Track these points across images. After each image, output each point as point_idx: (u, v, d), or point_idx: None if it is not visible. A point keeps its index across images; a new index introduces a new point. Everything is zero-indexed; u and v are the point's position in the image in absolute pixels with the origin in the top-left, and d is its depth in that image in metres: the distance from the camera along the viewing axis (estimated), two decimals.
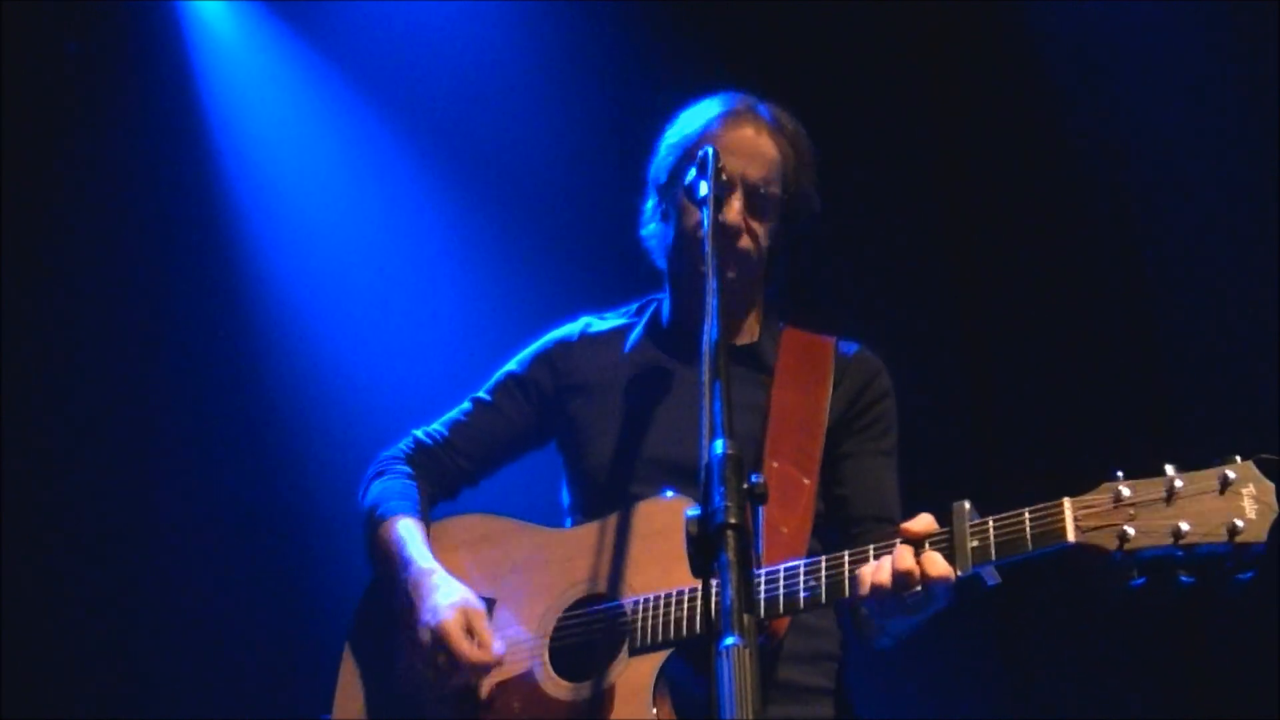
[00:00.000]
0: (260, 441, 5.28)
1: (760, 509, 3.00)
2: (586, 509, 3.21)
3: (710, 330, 2.47)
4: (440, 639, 2.95)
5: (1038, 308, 4.95)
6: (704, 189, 2.90)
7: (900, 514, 3.08)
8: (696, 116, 3.31)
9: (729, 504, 2.15)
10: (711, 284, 2.61)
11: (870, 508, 3.16)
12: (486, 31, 5.39)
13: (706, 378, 2.38)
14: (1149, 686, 4.63)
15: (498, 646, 2.98)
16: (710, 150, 3.01)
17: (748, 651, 2.02)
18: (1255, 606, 4.26)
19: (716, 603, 2.08)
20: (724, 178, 3.07)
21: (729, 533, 2.13)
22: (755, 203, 3.20)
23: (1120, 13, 4.79)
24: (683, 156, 3.26)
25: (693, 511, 2.19)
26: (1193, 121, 4.72)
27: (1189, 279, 4.75)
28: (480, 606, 3.01)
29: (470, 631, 2.97)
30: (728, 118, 3.25)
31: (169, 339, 5.37)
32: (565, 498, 3.36)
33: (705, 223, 2.81)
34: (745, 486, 2.19)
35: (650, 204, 3.41)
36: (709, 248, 2.72)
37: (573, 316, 3.49)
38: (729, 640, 2.04)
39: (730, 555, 2.11)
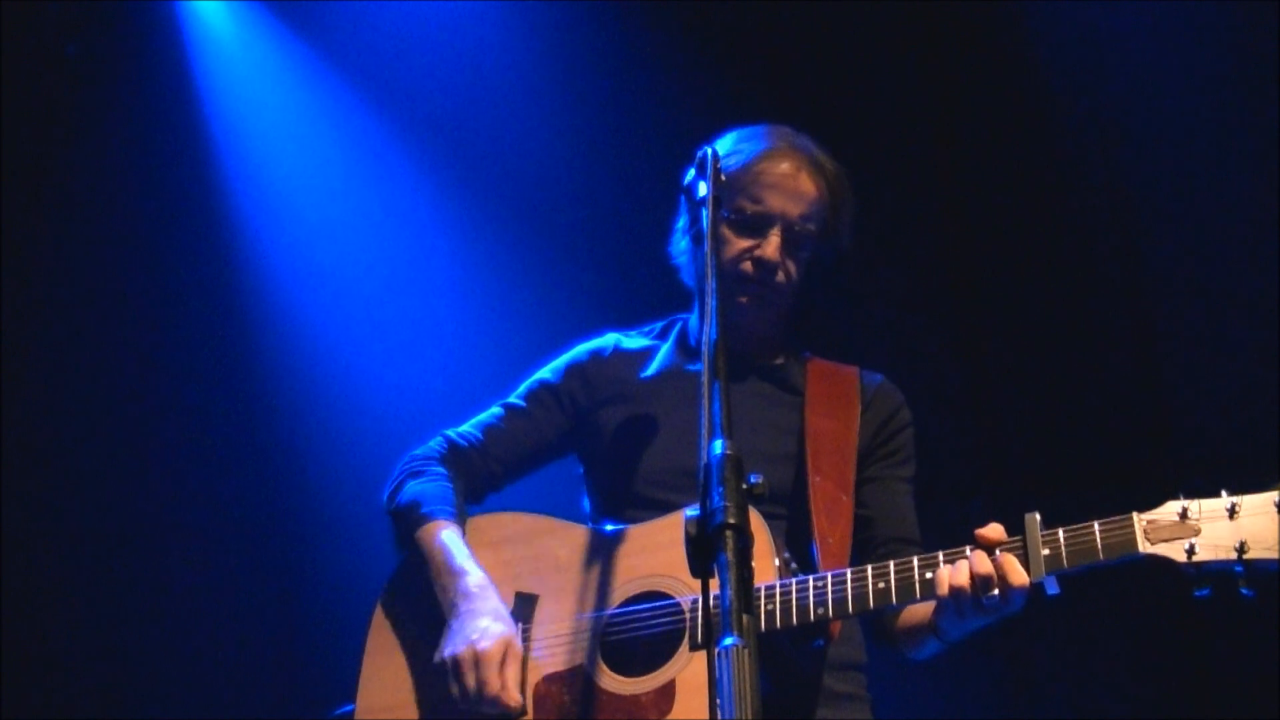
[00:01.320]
0: (260, 441, 5.28)
1: (813, 517, 3.11)
2: (617, 516, 3.24)
3: (710, 330, 2.50)
4: (478, 663, 2.97)
5: (1039, 321, 4.94)
6: (703, 189, 2.91)
7: (920, 539, 3.22)
8: (737, 150, 3.34)
9: (728, 504, 2.16)
10: (711, 284, 2.63)
11: (895, 529, 3.24)
12: (486, 32, 5.39)
13: (706, 378, 2.41)
14: (1149, 687, 4.63)
15: (518, 698, 2.99)
16: (710, 150, 3.02)
17: (747, 651, 2.03)
18: (1255, 607, 4.26)
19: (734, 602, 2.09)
20: (758, 210, 3.23)
21: (728, 533, 2.13)
22: (792, 239, 3.28)
23: (1120, 14, 4.78)
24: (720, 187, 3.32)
25: (692, 512, 2.20)
26: (1193, 123, 4.72)
27: (1192, 287, 4.75)
28: (519, 647, 3.04)
29: (503, 667, 2.98)
30: (769, 154, 3.31)
31: (169, 339, 5.36)
32: (588, 505, 3.39)
33: (705, 223, 2.83)
34: (745, 486, 2.20)
35: (682, 222, 3.46)
36: (708, 247, 2.74)
37: (600, 331, 3.53)
38: (728, 640, 2.04)
39: (729, 555, 2.12)
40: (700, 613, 2.34)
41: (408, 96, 5.44)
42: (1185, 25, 4.68)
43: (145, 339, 5.36)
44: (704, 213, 2.85)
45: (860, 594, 2.86)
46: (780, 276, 3.28)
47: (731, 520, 2.14)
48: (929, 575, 2.84)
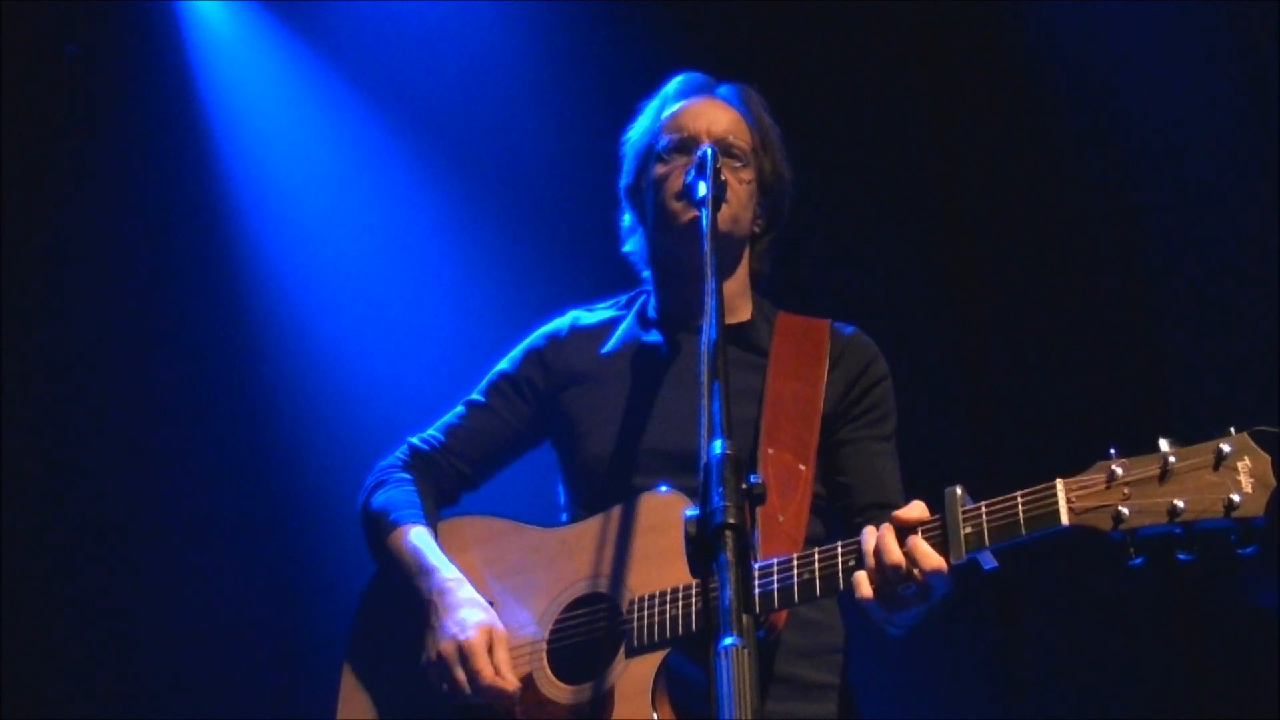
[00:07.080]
0: (260, 440, 5.28)
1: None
2: (584, 503, 3.18)
3: (710, 330, 2.48)
4: (464, 655, 2.93)
5: (1030, 290, 4.94)
6: (703, 189, 2.90)
7: (902, 499, 2.98)
8: (648, 111, 3.37)
9: (727, 504, 2.15)
10: (710, 284, 2.60)
11: (872, 495, 3.10)
12: (484, 31, 5.39)
13: (705, 378, 2.39)
14: (1149, 686, 4.63)
15: (512, 680, 2.95)
16: (709, 151, 3.02)
17: (746, 651, 2.03)
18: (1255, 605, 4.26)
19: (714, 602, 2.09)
20: (681, 135, 3.18)
21: (727, 533, 2.13)
22: (725, 153, 3.18)
23: (1120, 10, 4.79)
24: (643, 151, 3.33)
25: (691, 512, 2.19)
26: (1190, 106, 4.72)
27: (1184, 257, 4.75)
28: (503, 630, 2.99)
29: (491, 653, 2.95)
30: (679, 92, 3.32)
31: (169, 339, 5.37)
32: (562, 494, 3.34)
33: (704, 222, 2.81)
34: (744, 487, 2.20)
35: (627, 219, 3.44)
36: (707, 247, 2.71)
37: (562, 311, 3.48)
38: (727, 640, 2.04)
39: (729, 555, 2.12)
40: (703, 611, 2.29)
41: (407, 96, 5.45)
42: (1186, 21, 4.70)
43: (145, 338, 5.36)
44: (704, 212, 2.83)
45: (786, 588, 2.73)
46: (726, 176, 3.12)
47: (731, 520, 2.13)
48: (852, 564, 2.68)
